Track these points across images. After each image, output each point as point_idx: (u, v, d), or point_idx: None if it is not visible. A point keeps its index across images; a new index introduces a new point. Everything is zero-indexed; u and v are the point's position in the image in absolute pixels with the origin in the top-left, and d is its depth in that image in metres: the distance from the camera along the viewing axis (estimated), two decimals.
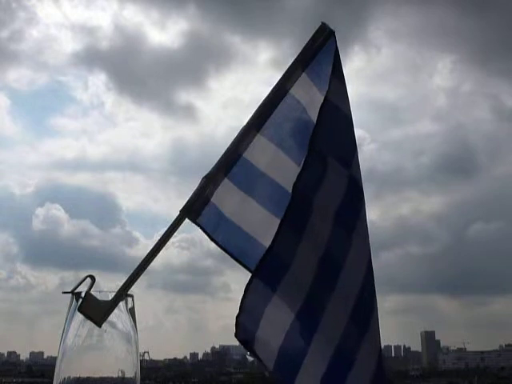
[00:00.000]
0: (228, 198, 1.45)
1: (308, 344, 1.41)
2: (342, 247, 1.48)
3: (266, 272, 1.40)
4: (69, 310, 1.20)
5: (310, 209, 1.46)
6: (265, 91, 1.55)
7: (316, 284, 1.43)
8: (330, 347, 1.42)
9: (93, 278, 1.21)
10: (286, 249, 1.43)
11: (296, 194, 1.44)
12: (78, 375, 1.13)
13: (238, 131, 1.49)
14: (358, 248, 1.49)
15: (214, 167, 1.44)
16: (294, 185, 1.45)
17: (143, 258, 1.34)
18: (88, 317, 1.18)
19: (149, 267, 1.34)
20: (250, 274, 1.43)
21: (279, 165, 1.50)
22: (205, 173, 1.44)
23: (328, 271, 1.46)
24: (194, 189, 1.43)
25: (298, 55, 1.55)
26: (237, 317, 1.36)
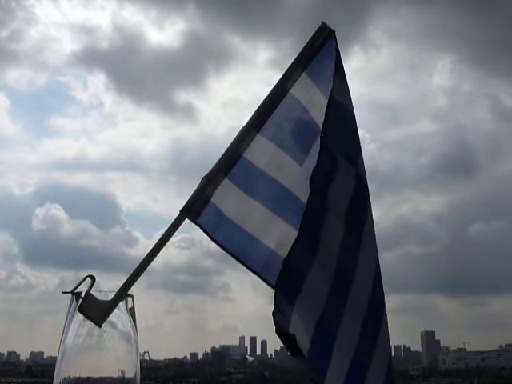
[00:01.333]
0: (228, 198, 1.45)
1: (326, 364, 1.39)
2: (353, 252, 1.48)
3: (284, 285, 1.39)
4: (69, 309, 1.20)
5: (325, 208, 1.46)
6: (264, 91, 1.55)
7: (331, 298, 1.43)
8: (346, 362, 1.42)
9: (93, 278, 1.21)
10: (302, 260, 1.42)
11: (312, 194, 1.43)
12: (78, 375, 1.13)
13: (238, 131, 1.49)
14: (366, 250, 1.49)
15: (213, 167, 1.44)
16: (310, 184, 1.44)
17: (143, 258, 1.34)
18: (88, 317, 1.18)
19: (149, 267, 1.34)
20: (250, 274, 1.43)
21: (279, 164, 1.50)
22: (204, 173, 1.43)
23: (342, 282, 1.46)
24: (194, 189, 1.42)
25: (298, 55, 1.55)
26: (273, 312, 1.34)
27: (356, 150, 1.56)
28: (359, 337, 1.44)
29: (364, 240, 1.50)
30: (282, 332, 1.33)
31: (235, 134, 1.49)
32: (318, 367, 1.38)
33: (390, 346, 1.50)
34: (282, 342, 1.34)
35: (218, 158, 1.45)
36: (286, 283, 1.39)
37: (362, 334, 1.45)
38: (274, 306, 1.34)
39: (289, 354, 1.35)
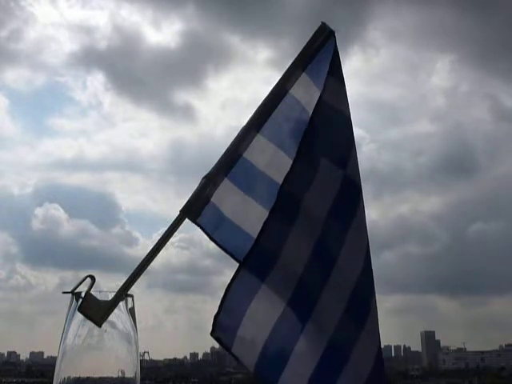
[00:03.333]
0: (228, 198, 1.45)
1: (300, 331, 1.40)
2: (335, 244, 1.47)
3: (254, 262, 1.40)
4: (69, 309, 1.20)
5: (299, 207, 1.46)
6: (264, 91, 1.55)
7: (308, 275, 1.43)
8: (322, 339, 1.41)
9: (93, 278, 1.21)
10: (274, 240, 1.42)
11: (284, 192, 1.44)
12: (78, 375, 1.13)
13: (238, 131, 1.49)
14: (353, 246, 1.48)
15: (213, 167, 1.44)
16: (283, 183, 1.45)
17: (143, 258, 1.34)
18: (88, 317, 1.18)
19: (149, 267, 1.34)
20: None
21: (279, 164, 1.50)
22: (204, 173, 1.43)
23: (321, 264, 1.45)
24: (193, 189, 1.42)
25: (298, 55, 1.55)
26: (215, 316, 1.35)
27: (347, 152, 1.54)
28: (339, 321, 1.43)
29: (350, 236, 1.48)
30: (218, 337, 1.35)
31: (234, 134, 1.49)
32: (278, 356, 1.38)
33: (379, 338, 1.47)
34: (221, 345, 1.36)
35: (217, 158, 1.45)
36: (257, 260, 1.40)
37: (343, 318, 1.43)
38: (218, 309, 1.35)
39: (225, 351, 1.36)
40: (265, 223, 1.42)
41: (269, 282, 1.40)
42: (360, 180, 1.54)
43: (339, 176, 1.51)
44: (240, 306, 1.38)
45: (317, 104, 1.50)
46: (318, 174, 1.49)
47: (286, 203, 1.45)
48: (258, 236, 1.42)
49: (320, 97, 1.51)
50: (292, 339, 1.40)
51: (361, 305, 1.46)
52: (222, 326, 1.36)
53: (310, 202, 1.47)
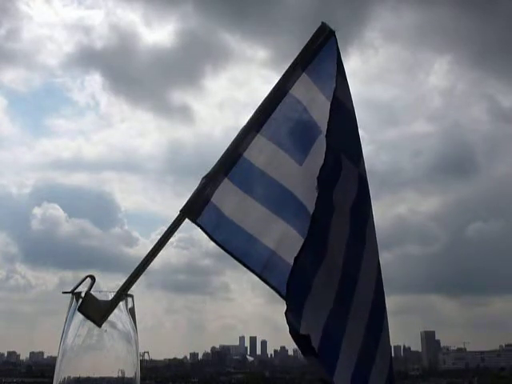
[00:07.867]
0: (228, 198, 1.45)
1: (334, 365, 1.37)
2: (357, 253, 1.48)
3: (293, 288, 1.36)
4: (69, 310, 1.20)
5: (331, 209, 1.45)
6: (262, 91, 1.56)
7: (337, 300, 1.42)
8: (351, 364, 1.41)
9: (93, 278, 1.21)
10: (310, 263, 1.40)
11: (320, 194, 1.42)
12: (78, 375, 1.13)
13: (237, 131, 1.50)
14: (369, 250, 1.49)
15: (213, 167, 1.44)
16: (318, 183, 1.42)
17: (143, 258, 1.34)
18: (88, 317, 1.18)
19: (149, 267, 1.34)
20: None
21: (279, 164, 1.50)
22: (201, 172, 1.44)
23: (347, 283, 1.45)
24: (192, 188, 1.42)
25: (298, 55, 1.55)
26: (285, 312, 1.31)
27: (357, 150, 1.56)
28: (363, 337, 1.44)
29: (367, 239, 1.50)
30: (294, 331, 1.30)
31: (232, 134, 1.50)
32: (327, 367, 1.37)
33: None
34: (295, 341, 1.31)
35: (215, 158, 1.45)
36: (296, 285, 1.37)
37: (365, 334, 1.45)
38: (285, 307, 1.32)
39: (301, 354, 1.31)
40: (302, 246, 1.37)
41: (306, 311, 1.36)
42: (367, 178, 1.55)
43: (356, 174, 1.52)
44: (298, 312, 1.34)
45: (332, 102, 1.50)
46: (341, 172, 1.48)
47: (320, 220, 1.42)
48: (295, 262, 1.36)
49: (334, 94, 1.50)
50: (331, 366, 1.36)
51: (377, 317, 1.48)
52: (292, 324, 1.29)
53: (336, 201, 1.45)
